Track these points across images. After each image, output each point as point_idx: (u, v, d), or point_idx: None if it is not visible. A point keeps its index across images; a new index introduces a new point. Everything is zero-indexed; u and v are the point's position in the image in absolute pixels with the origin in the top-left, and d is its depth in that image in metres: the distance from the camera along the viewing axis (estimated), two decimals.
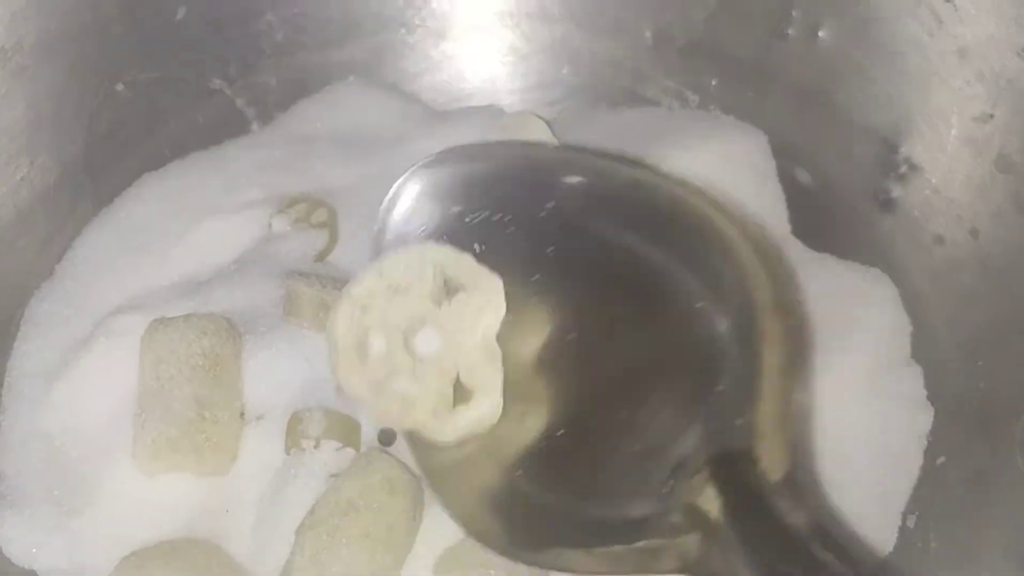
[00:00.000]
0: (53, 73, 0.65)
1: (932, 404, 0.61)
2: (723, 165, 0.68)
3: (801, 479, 0.47)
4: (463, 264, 0.50)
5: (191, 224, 0.66)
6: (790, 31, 0.69)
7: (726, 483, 0.45)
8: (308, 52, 0.73)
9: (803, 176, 0.69)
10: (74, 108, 0.67)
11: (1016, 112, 0.60)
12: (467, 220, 0.51)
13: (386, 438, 0.59)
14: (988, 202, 0.62)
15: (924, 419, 0.61)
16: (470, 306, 0.49)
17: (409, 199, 0.53)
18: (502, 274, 0.50)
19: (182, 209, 0.67)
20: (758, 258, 0.48)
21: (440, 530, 0.55)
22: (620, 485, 0.48)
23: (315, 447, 0.57)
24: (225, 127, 0.72)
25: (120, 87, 0.68)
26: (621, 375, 0.49)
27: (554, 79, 0.75)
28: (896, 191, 0.66)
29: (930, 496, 0.59)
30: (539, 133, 0.67)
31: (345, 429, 0.58)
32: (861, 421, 0.60)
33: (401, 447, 0.58)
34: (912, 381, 0.62)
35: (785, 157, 0.69)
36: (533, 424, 0.50)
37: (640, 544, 0.46)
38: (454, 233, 0.51)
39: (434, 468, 0.50)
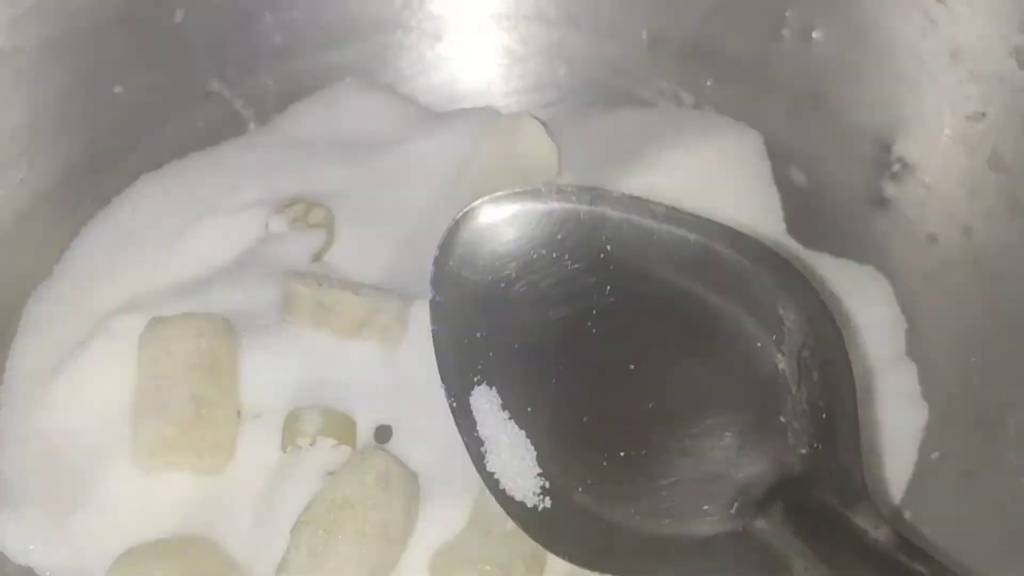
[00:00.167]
0: (53, 76, 0.66)
1: (926, 400, 0.62)
2: (718, 165, 0.69)
3: (876, 494, 0.50)
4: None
5: (189, 224, 0.67)
6: (784, 32, 0.69)
7: (795, 505, 0.48)
8: (305, 54, 0.74)
9: (798, 176, 0.70)
10: (73, 110, 0.67)
11: (1009, 111, 0.61)
12: (528, 258, 0.53)
13: (382, 435, 0.59)
14: (981, 201, 0.62)
15: (919, 415, 0.61)
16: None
17: (476, 227, 0.54)
18: (562, 309, 0.53)
19: (180, 210, 0.67)
20: (812, 302, 0.50)
21: (435, 526, 0.55)
22: (685, 505, 0.51)
23: (311, 445, 0.57)
24: (223, 129, 0.72)
25: (119, 89, 0.69)
26: (682, 404, 0.52)
27: (550, 81, 0.75)
28: (890, 190, 0.66)
29: (924, 491, 0.59)
30: (535, 134, 0.67)
31: (341, 427, 0.58)
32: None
33: (396, 444, 0.58)
34: (907, 378, 0.62)
35: (780, 157, 0.69)
36: (595, 444, 0.52)
37: (708, 559, 0.50)
38: (517, 266, 0.53)
39: None
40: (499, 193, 0.54)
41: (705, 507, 0.50)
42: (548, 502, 0.52)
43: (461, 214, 0.53)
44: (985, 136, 0.62)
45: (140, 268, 0.65)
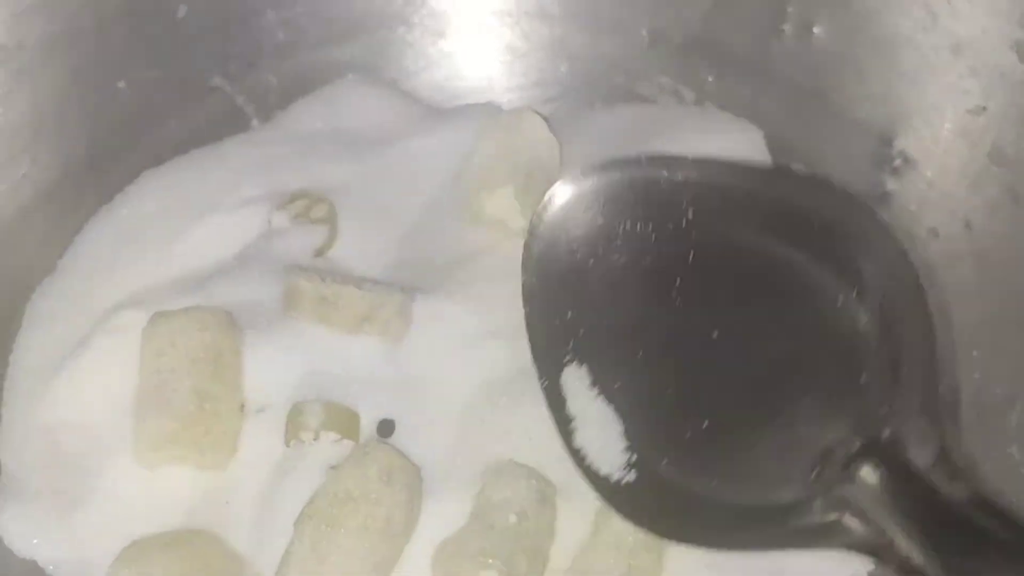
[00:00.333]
0: (55, 71, 0.66)
1: None
2: None
3: (955, 455, 0.50)
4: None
5: (192, 220, 0.67)
6: (785, 28, 0.69)
7: (877, 467, 0.48)
8: (308, 50, 0.74)
9: None
10: (76, 106, 0.67)
11: (1010, 105, 0.61)
12: (613, 233, 0.55)
13: (384, 430, 0.59)
14: (982, 195, 0.62)
15: None
16: None
17: (560, 207, 0.56)
18: (647, 282, 0.54)
19: (183, 205, 0.67)
20: (891, 250, 0.51)
21: (438, 520, 0.55)
22: (766, 473, 0.52)
23: (314, 439, 0.57)
24: (225, 125, 0.72)
25: (121, 85, 0.69)
26: (764, 370, 0.53)
27: (551, 77, 0.75)
28: (891, 185, 0.67)
29: None
30: (537, 129, 0.67)
31: (344, 421, 0.58)
32: None
33: (399, 438, 0.59)
34: None
35: (781, 153, 0.69)
36: (680, 415, 0.53)
37: (791, 525, 0.50)
38: (603, 242, 0.55)
39: None
40: (577, 169, 0.55)
41: (787, 474, 0.51)
42: (633, 475, 0.52)
43: (547, 197, 0.54)
44: (986, 130, 0.62)
45: (143, 264, 0.65)
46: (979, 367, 0.60)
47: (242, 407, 0.59)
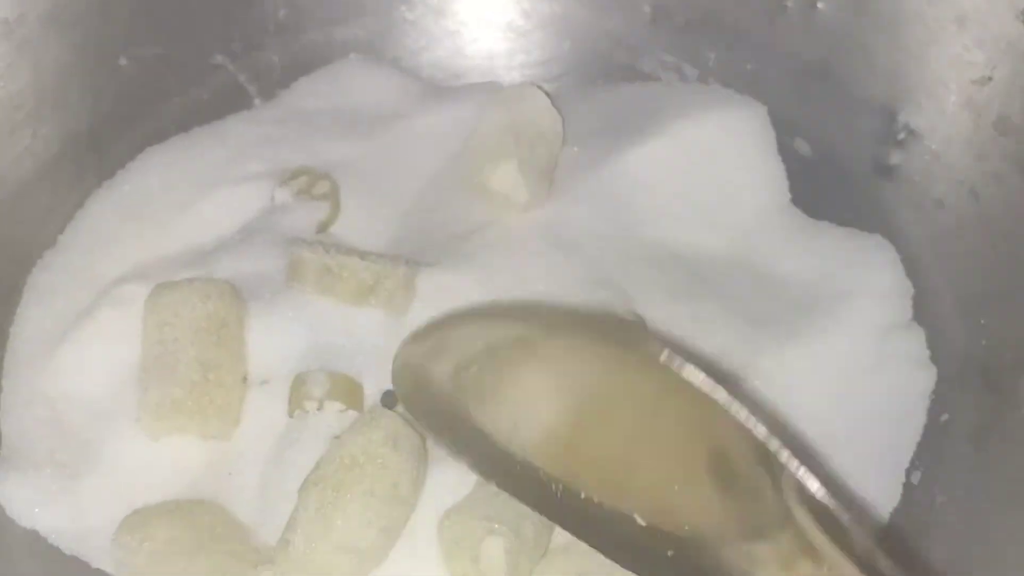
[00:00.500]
0: (57, 46, 0.66)
1: (935, 364, 0.62)
2: (723, 137, 0.69)
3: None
4: None
5: (194, 195, 0.66)
6: (789, 3, 0.69)
7: None
8: (310, 30, 0.74)
9: (803, 147, 0.70)
10: (78, 81, 0.67)
11: (1016, 74, 0.61)
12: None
13: (388, 401, 0.59)
14: (988, 165, 0.62)
15: (927, 378, 0.61)
16: None
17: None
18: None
19: (185, 181, 0.67)
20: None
21: (444, 488, 0.55)
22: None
23: (318, 409, 0.57)
24: (228, 103, 0.72)
25: (124, 61, 0.69)
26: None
27: (554, 55, 0.75)
28: (896, 158, 0.66)
29: (935, 452, 0.59)
30: (540, 104, 0.67)
31: (348, 391, 0.58)
32: (865, 382, 0.61)
33: (403, 409, 0.58)
34: (914, 342, 0.62)
35: (785, 128, 0.69)
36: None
37: None
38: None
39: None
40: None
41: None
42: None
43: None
44: (991, 100, 0.62)
45: (145, 238, 0.65)
46: (987, 334, 0.60)
47: (245, 378, 0.59)
